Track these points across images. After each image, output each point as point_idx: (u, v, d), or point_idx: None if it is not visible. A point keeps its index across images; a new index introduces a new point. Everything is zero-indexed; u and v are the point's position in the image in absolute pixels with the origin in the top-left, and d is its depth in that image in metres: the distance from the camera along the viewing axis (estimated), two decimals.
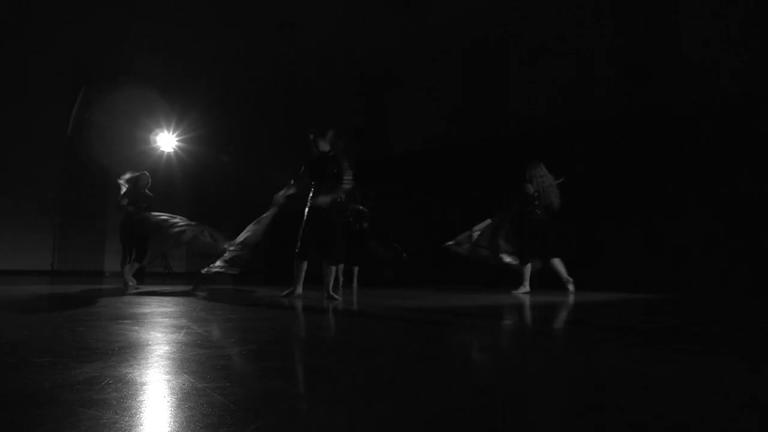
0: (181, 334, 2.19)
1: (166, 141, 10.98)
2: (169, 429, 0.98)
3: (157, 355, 1.71)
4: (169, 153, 11.15)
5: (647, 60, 7.27)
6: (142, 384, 1.30)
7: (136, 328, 2.41)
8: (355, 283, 7.25)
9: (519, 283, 5.96)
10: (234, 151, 12.20)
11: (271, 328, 2.59)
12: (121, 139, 10.34)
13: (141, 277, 8.39)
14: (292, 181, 4.81)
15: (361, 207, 6.96)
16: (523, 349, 2.18)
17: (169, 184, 10.58)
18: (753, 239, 6.25)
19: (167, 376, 1.40)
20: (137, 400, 1.16)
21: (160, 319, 2.78)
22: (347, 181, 4.55)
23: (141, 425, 0.99)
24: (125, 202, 6.37)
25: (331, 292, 4.56)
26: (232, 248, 4.97)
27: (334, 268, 4.72)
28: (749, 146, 6.42)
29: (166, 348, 1.86)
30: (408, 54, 9.63)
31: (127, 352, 1.75)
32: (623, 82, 7.53)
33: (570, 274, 5.97)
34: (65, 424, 0.97)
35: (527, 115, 8.49)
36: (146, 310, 3.35)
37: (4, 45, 9.09)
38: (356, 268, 7.32)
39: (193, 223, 5.95)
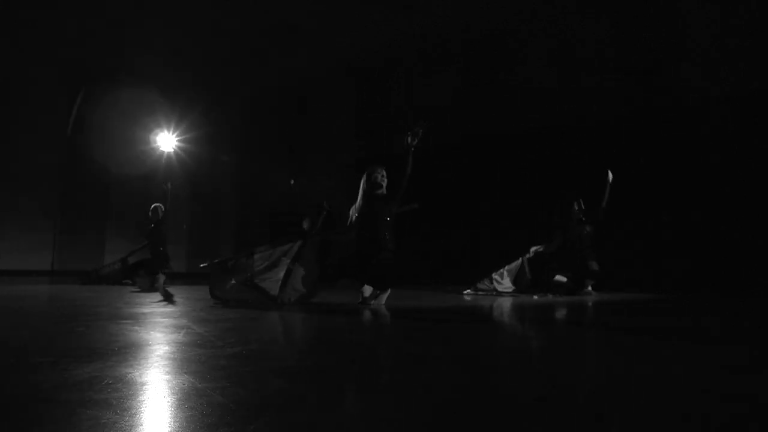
0: (181, 334, 2.18)
1: (166, 141, 10.97)
2: (169, 429, 0.98)
3: (157, 355, 1.71)
4: (169, 153, 11.14)
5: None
6: (142, 384, 1.30)
7: (136, 328, 2.40)
8: None
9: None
10: (233, 151, 12.18)
11: (271, 329, 2.60)
12: (121, 139, 10.33)
13: None
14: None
15: None
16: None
17: None
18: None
19: (167, 376, 1.40)
20: (137, 400, 1.16)
21: (160, 319, 2.77)
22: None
23: (141, 425, 0.99)
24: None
25: None
26: None
27: None
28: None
29: (166, 348, 1.86)
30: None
31: (127, 352, 1.75)
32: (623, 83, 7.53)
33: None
34: (65, 424, 0.97)
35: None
36: (146, 310, 3.35)
37: (4, 45, 9.09)
38: None
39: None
